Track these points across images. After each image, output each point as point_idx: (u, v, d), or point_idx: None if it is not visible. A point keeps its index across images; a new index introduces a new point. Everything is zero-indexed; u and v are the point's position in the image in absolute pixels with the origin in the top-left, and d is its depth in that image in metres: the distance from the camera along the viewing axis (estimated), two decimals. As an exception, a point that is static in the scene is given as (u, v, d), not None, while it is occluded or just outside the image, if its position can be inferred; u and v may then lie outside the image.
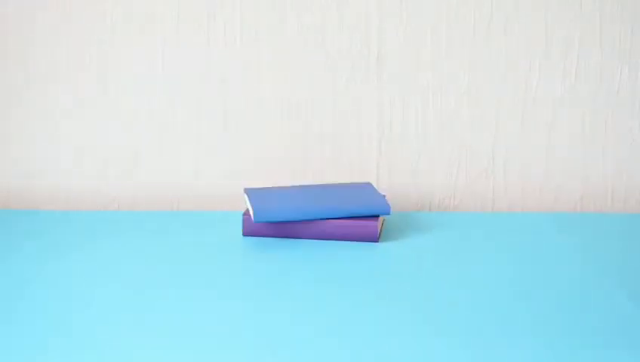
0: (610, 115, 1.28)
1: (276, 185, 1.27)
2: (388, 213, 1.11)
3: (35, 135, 1.31)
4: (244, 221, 1.12)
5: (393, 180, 1.30)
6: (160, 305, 0.86)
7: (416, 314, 0.85)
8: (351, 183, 1.21)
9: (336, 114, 1.29)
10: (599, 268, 0.99)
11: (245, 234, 1.13)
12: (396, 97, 1.28)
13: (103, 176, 1.32)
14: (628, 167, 1.30)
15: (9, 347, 0.76)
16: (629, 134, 1.29)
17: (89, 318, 0.83)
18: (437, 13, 1.26)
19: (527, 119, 1.29)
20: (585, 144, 1.29)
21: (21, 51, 1.29)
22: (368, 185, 1.20)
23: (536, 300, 0.88)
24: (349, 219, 1.10)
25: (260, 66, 1.28)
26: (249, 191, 1.17)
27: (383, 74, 1.28)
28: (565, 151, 1.29)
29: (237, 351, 0.75)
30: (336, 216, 1.10)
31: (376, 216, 1.11)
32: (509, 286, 0.93)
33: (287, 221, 1.10)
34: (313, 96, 1.29)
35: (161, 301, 0.88)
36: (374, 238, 1.10)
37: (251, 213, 1.11)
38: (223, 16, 1.27)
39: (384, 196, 1.16)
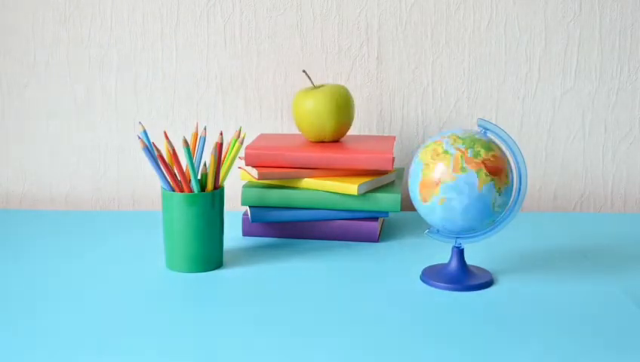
0: (610, 115, 1.28)
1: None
2: (386, 215, 1.11)
3: (34, 135, 1.31)
4: (243, 221, 1.12)
5: (393, 180, 1.30)
6: (158, 306, 0.86)
7: (417, 313, 0.84)
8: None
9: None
10: (599, 268, 0.99)
11: (245, 234, 1.13)
12: (396, 97, 1.28)
13: (103, 175, 1.32)
14: (628, 167, 1.30)
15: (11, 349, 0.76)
16: (629, 134, 1.29)
17: (91, 318, 0.83)
18: (437, 12, 1.26)
19: (527, 119, 1.29)
20: (585, 144, 1.29)
21: (22, 51, 1.29)
22: None
23: (534, 300, 0.88)
24: (348, 219, 1.10)
25: (259, 66, 1.28)
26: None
27: (382, 74, 1.28)
28: (565, 151, 1.29)
29: (237, 352, 0.75)
30: (334, 218, 1.10)
31: (376, 217, 1.11)
32: (507, 286, 0.93)
33: (285, 221, 1.10)
34: (313, 96, 1.29)
35: (160, 301, 0.88)
36: (374, 238, 1.10)
37: (249, 213, 1.11)
38: (222, 15, 1.27)
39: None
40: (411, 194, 0.92)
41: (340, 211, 1.10)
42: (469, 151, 0.87)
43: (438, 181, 0.87)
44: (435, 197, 0.88)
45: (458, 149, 0.87)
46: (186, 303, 0.87)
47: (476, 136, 0.89)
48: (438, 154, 0.88)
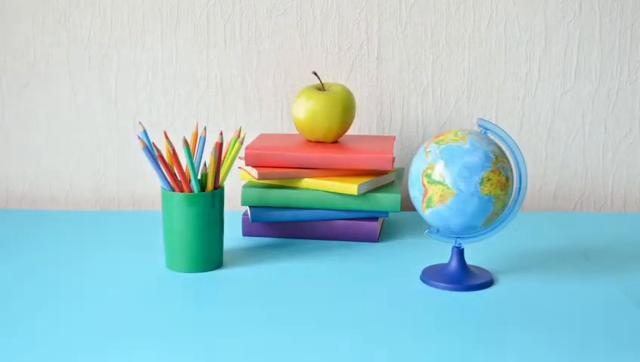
0: (610, 115, 1.28)
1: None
2: (386, 215, 1.11)
3: (34, 134, 1.31)
4: (243, 221, 1.12)
5: (393, 180, 1.30)
6: (158, 306, 0.86)
7: (417, 313, 0.84)
8: None
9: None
10: (599, 268, 0.99)
11: (245, 234, 1.13)
12: (396, 97, 1.28)
13: (103, 175, 1.32)
14: (628, 167, 1.30)
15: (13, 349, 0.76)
16: (629, 134, 1.29)
17: (91, 318, 0.83)
18: (437, 12, 1.26)
19: (527, 119, 1.29)
20: (585, 144, 1.29)
21: (22, 51, 1.29)
22: None
23: (534, 300, 0.88)
24: (348, 219, 1.10)
25: (259, 66, 1.28)
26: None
27: (382, 74, 1.28)
28: (565, 151, 1.29)
29: (237, 352, 0.75)
30: (334, 218, 1.10)
31: (376, 217, 1.11)
32: (507, 286, 0.93)
33: (285, 221, 1.10)
34: (313, 96, 1.28)
35: (160, 301, 0.88)
36: (374, 238, 1.10)
37: (249, 213, 1.11)
38: (222, 15, 1.27)
39: None
40: (462, 222, 0.89)
41: (339, 211, 1.10)
42: (515, 168, 0.91)
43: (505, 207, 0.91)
44: (498, 219, 0.92)
45: (512, 170, 0.91)
46: (186, 303, 0.87)
47: (495, 143, 0.90)
48: (503, 184, 0.89)
